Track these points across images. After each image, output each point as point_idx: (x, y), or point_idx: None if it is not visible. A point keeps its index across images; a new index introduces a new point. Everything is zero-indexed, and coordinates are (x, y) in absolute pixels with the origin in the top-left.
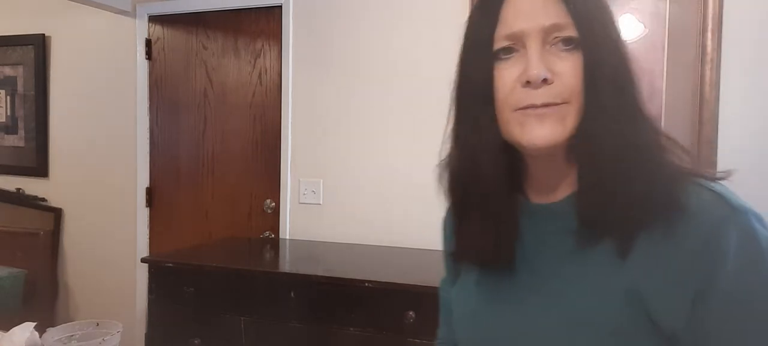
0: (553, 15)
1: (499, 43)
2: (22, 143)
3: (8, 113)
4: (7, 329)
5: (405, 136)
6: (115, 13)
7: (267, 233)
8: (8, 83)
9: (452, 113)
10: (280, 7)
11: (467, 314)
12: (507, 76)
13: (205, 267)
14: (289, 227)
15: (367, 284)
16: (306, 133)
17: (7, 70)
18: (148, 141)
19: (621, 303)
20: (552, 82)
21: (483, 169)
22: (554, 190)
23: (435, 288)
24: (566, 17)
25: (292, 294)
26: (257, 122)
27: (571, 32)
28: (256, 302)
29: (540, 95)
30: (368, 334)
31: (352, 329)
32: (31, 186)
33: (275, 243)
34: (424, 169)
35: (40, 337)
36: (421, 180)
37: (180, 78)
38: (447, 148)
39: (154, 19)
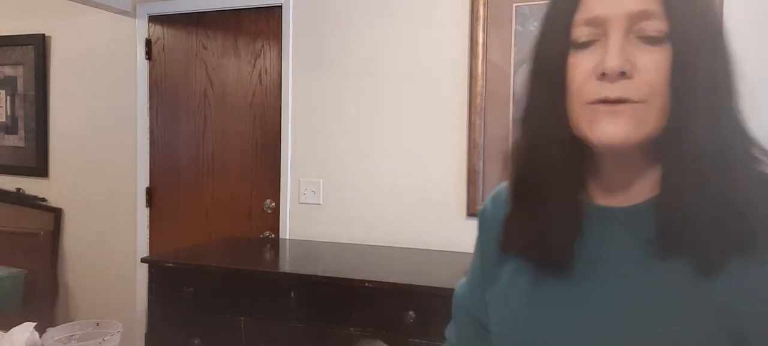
0: (642, 0)
1: (578, 29)
2: (22, 143)
3: (8, 113)
4: (7, 329)
5: (405, 136)
6: (115, 13)
7: (267, 233)
8: (8, 83)
9: (524, 98)
10: (280, 7)
11: (516, 319)
12: (582, 65)
13: (205, 267)
14: (289, 227)
15: (367, 284)
16: (306, 133)
17: (7, 70)
18: (148, 141)
19: (712, 324)
20: (631, 77)
21: (548, 162)
22: (628, 192)
23: (435, 288)
24: (656, 5)
25: (292, 294)
26: (257, 122)
27: (660, 23)
28: (256, 301)
29: (615, 89)
30: (368, 334)
31: (352, 329)
32: (31, 186)
33: (275, 243)
34: (424, 170)
35: (40, 337)
36: (422, 180)
37: (180, 78)
38: (516, 133)
39: (154, 19)
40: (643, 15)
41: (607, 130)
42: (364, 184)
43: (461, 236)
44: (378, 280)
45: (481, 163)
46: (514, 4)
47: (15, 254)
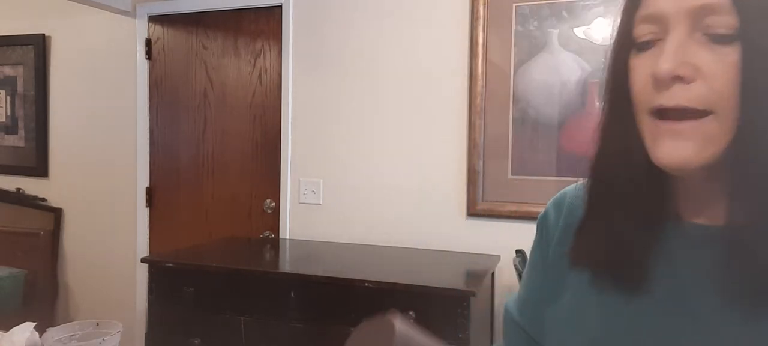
0: None
1: (639, 27)
2: (22, 143)
3: (8, 113)
4: (7, 329)
5: (405, 136)
6: (115, 13)
7: (267, 233)
8: (8, 83)
9: (600, 104)
10: (280, 7)
11: (584, 342)
12: (642, 68)
13: (205, 267)
14: (289, 227)
15: (367, 284)
16: (306, 133)
17: (7, 70)
18: (148, 141)
19: None
20: (691, 82)
21: (622, 175)
22: (717, 209)
23: (435, 288)
24: None
25: (292, 294)
26: (257, 122)
27: (729, 17)
28: (256, 301)
29: (672, 97)
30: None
31: (352, 329)
32: (31, 186)
33: (275, 243)
34: (424, 170)
35: (40, 337)
36: (422, 180)
37: (180, 78)
38: (594, 140)
39: (154, 19)
40: (707, 9)
41: (667, 150)
42: (364, 184)
43: (461, 236)
44: (378, 280)
45: (481, 163)
46: (514, 4)
47: (15, 254)
